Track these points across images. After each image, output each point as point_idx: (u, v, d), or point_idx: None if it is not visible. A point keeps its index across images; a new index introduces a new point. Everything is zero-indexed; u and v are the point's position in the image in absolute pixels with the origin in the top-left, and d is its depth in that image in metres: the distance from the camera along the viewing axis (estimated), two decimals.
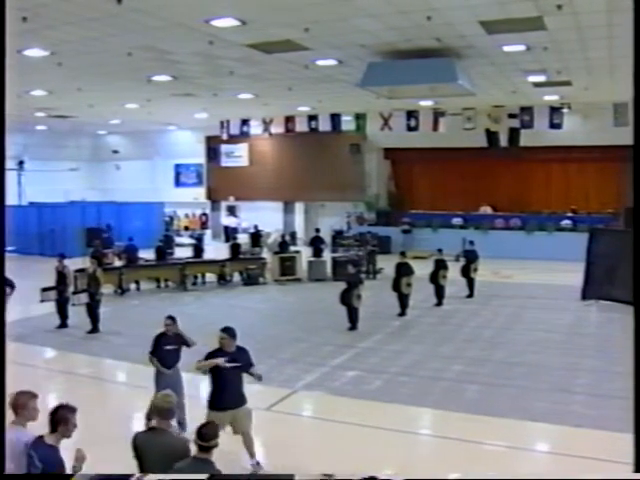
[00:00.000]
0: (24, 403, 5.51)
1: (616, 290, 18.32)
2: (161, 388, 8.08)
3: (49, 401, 11.14)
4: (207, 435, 5.37)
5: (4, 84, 6.02)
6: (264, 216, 35.27)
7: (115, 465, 7.90)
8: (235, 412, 7.99)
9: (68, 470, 5.23)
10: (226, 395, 8.06)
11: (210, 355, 8.37)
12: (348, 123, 27.96)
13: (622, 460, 6.27)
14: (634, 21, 5.97)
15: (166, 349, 9.81)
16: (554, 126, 24.95)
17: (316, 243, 25.71)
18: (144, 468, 5.60)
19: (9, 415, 5.44)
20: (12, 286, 12.05)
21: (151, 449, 5.68)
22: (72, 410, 5.35)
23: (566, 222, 29.60)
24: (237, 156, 38.05)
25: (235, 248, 24.45)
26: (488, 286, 21.15)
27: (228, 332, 8.61)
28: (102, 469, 6.52)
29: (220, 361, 7.94)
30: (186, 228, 36.96)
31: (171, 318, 9.96)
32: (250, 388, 12.00)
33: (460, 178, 33.14)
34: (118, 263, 23.36)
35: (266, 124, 30.77)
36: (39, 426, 5.45)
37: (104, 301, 16.49)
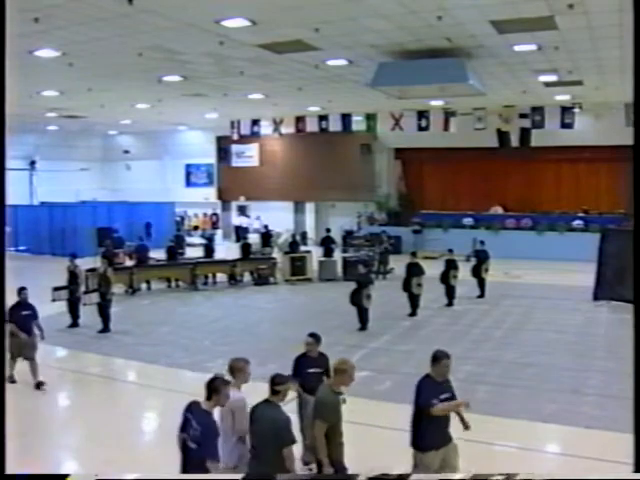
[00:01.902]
0: (241, 367, 6.79)
1: (628, 291, 18.17)
2: (306, 417, 7.76)
3: (60, 400, 11.23)
4: (276, 380, 6.32)
5: (4, 84, 6.03)
6: (275, 216, 35.30)
7: (118, 465, 7.96)
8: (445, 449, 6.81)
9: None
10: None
11: (296, 361, 8.46)
12: (359, 123, 27.96)
13: (620, 459, 6.26)
14: (634, 21, 5.96)
15: (308, 372, 8.47)
16: (565, 126, 24.87)
17: (327, 243, 25.73)
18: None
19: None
20: (40, 329, 11.95)
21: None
22: (225, 382, 6.05)
23: (577, 222, 29.47)
24: (248, 156, 38.08)
25: (246, 248, 24.50)
26: (499, 286, 21.09)
27: (314, 337, 8.42)
28: (106, 469, 6.57)
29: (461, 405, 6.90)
30: (195, 228, 37.02)
31: (313, 336, 8.56)
32: (260, 388, 12.04)
33: (471, 178, 33.09)
34: (129, 263, 23.45)
35: (276, 124, 30.79)
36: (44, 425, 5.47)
37: (115, 301, 16.56)
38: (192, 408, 5.95)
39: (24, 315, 11.64)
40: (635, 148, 6.19)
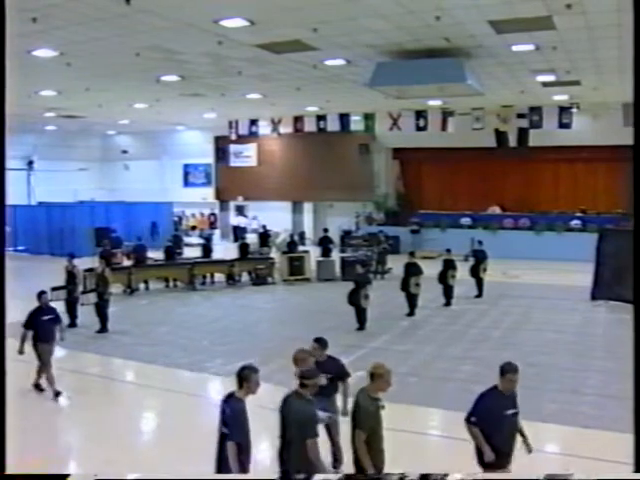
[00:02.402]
0: (303, 358, 7.21)
1: (626, 291, 18.19)
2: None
3: (59, 399, 11.20)
4: (306, 374, 6.49)
5: (4, 84, 6.02)
6: (273, 216, 35.33)
7: (117, 464, 7.95)
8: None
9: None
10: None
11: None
12: (357, 123, 27.97)
13: (620, 459, 6.27)
14: (634, 21, 5.96)
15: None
16: (563, 126, 24.91)
17: (325, 243, 25.74)
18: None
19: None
20: (62, 330, 11.50)
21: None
22: (254, 370, 6.30)
23: (575, 222, 29.51)
24: (246, 156, 38.10)
25: (244, 248, 24.49)
26: (497, 286, 21.10)
27: (319, 342, 8.18)
28: (105, 469, 6.56)
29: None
30: (193, 228, 36.99)
31: (318, 341, 8.26)
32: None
33: (469, 178, 33.12)
34: (127, 263, 23.42)
35: (275, 124, 30.81)
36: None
37: (113, 301, 16.53)
38: (227, 398, 6.28)
39: (45, 320, 11.08)
40: (635, 148, 6.19)
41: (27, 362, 11.31)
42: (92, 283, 16.78)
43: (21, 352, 10.50)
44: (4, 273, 5.90)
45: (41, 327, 10.96)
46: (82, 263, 18.05)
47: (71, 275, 16.38)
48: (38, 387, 10.98)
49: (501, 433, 6.40)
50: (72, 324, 16.08)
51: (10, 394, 5.97)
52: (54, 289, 16.19)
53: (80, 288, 16.59)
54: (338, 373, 8.03)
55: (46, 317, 11.11)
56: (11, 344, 6.68)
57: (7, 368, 6.04)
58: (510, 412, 6.44)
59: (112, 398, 11.19)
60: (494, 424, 6.39)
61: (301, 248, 26.51)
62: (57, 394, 10.77)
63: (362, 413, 6.41)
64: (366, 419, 6.37)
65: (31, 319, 10.95)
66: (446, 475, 5.54)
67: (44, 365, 10.86)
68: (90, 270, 17.76)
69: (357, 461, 6.39)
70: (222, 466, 6.24)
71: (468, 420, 6.45)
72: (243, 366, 6.35)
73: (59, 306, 16.03)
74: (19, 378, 11.28)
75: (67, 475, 5.43)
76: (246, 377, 6.22)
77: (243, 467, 6.19)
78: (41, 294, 11.33)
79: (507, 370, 6.66)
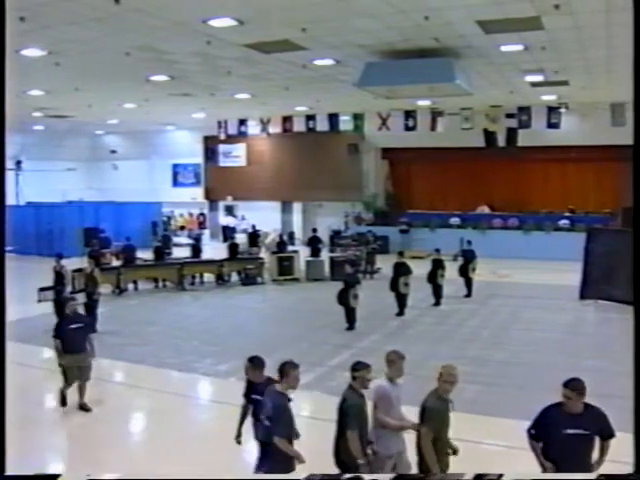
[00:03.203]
0: (394, 359, 6.99)
1: (614, 290, 18.34)
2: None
3: (47, 401, 11.16)
4: (353, 367, 6.71)
5: (4, 84, 6.01)
6: (262, 216, 35.31)
7: (106, 465, 7.93)
8: None
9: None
10: None
11: (247, 384, 7.57)
12: (346, 123, 27.95)
13: (620, 459, 6.28)
14: (634, 21, 5.97)
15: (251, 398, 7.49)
16: (552, 126, 24.97)
17: (314, 243, 25.73)
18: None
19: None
20: (91, 344, 10.48)
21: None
22: (294, 365, 6.53)
23: (564, 222, 29.64)
24: (235, 156, 38.07)
25: (233, 248, 24.47)
26: (486, 286, 21.15)
27: (253, 362, 7.44)
28: (93, 469, 6.54)
29: None
30: (182, 228, 36.93)
31: (251, 360, 7.55)
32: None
33: (458, 178, 33.18)
34: (116, 263, 23.36)
35: (264, 124, 30.75)
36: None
37: (102, 301, 16.48)
38: (269, 391, 6.51)
39: (73, 329, 10.18)
40: (635, 148, 6.19)
41: (17, 364, 11.28)
42: (81, 283, 16.74)
43: (61, 364, 10.13)
44: (4, 273, 5.89)
45: (67, 337, 10.10)
46: (71, 263, 17.98)
47: (59, 275, 16.30)
48: (64, 401, 10.30)
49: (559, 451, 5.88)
50: None
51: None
52: (42, 289, 16.15)
53: (69, 288, 16.53)
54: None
55: (74, 326, 10.26)
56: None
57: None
58: (570, 432, 5.79)
59: (101, 399, 11.15)
60: (551, 440, 5.96)
61: (290, 248, 26.53)
62: (83, 407, 10.21)
63: (430, 412, 6.40)
64: (433, 418, 6.37)
65: (58, 328, 10.27)
66: (501, 475, 5.52)
67: (66, 382, 10.16)
68: (79, 270, 17.71)
69: (421, 462, 6.37)
70: (261, 463, 6.44)
71: (528, 432, 6.13)
72: (284, 361, 6.58)
73: (47, 307, 16.08)
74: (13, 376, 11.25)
75: (54, 475, 5.41)
76: (286, 372, 6.44)
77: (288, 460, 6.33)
78: (68, 300, 10.77)
79: (564, 385, 5.95)
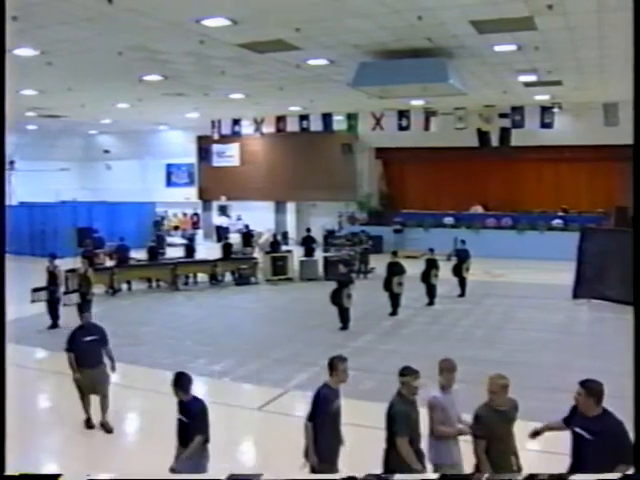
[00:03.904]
0: (448, 367, 6.84)
1: (607, 289, 18.40)
2: None
3: (41, 402, 11.14)
4: (400, 372, 6.46)
5: (4, 84, 6.01)
6: (256, 216, 35.28)
7: (100, 465, 7.92)
8: None
9: None
10: None
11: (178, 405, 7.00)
12: (340, 123, 27.93)
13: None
14: (634, 21, 5.98)
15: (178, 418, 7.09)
16: (545, 126, 25.00)
17: (307, 243, 25.73)
18: None
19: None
20: (111, 358, 9.85)
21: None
22: (342, 359, 6.75)
23: (557, 221, 29.70)
24: (228, 156, 38.04)
25: (227, 248, 24.44)
26: (480, 285, 21.18)
27: (178, 381, 6.90)
28: (91, 469, 6.52)
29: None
30: (176, 228, 36.88)
31: (179, 377, 7.00)
32: (240, 388, 12.03)
33: (451, 178, 33.20)
34: (109, 263, 23.32)
35: (257, 124, 30.72)
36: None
37: (95, 301, 16.47)
38: (322, 387, 6.77)
39: (88, 342, 9.54)
40: (635, 148, 6.20)
41: (11, 365, 11.25)
42: (74, 284, 16.70)
43: (77, 379, 9.40)
44: (4, 273, 5.87)
45: (81, 349, 9.47)
46: (64, 264, 17.94)
47: (53, 276, 16.26)
48: (88, 423, 9.53)
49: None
50: (54, 325, 16.00)
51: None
52: (35, 290, 16.11)
53: (62, 289, 16.48)
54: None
55: (88, 338, 9.60)
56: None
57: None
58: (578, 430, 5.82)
59: (94, 399, 11.13)
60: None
61: (284, 248, 26.50)
62: (104, 425, 9.47)
63: (478, 420, 6.26)
64: (482, 427, 6.19)
65: (71, 340, 9.61)
66: (554, 475, 5.46)
67: (82, 397, 9.49)
68: (72, 271, 17.66)
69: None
70: (317, 445, 6.63)
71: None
72: (333, 356, 6.78)
73: (40, 307, 16.05)
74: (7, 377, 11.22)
75: (56, 475, 5.41)
76: (335, 366, 6.66)
77: (320, 447, 6.58)
78: (82, 309, 10.17)
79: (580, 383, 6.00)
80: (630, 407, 5.94)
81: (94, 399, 9.59)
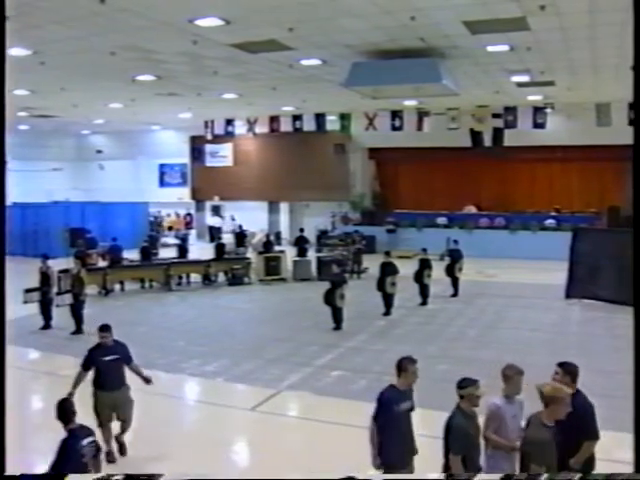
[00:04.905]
0: (511, 375, 6.54)
1: (599, 289, 18.46)
2: None
3: (34, 402, 11.11)
4: (460, 384, 6.05)
5: (4, 84, 6.00)
6: (249, 216, 35.26)
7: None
8: None
9: None
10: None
11: None
12: (333, 123, 27.93)
13: (604, 457, 6.32)
14: (634, 21, 5.99)
15: None
16: (538, 126, 25.04)
17: (301, 243, 25.74)
18: None
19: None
20: (139, 373, 8.87)
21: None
22: (412, 361, 6.48)
23: (550, 221, 29.76)
24: (222, 156, 38.02)
25: (220, 248, 24.42)
26: (472, 285, 21.21)
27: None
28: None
29: None
30: (170, 228, 36.84)
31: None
32: (234, 388, 12.02)
33: (444, 178, 33.26)
34: (102, 263, 23.27)
35: (250, 124, 30.67)
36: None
37: (88, 302, 16.41)
38: (388, 389, 6.51)
39: (107, 361, 8.50)
40: (635, 148, 6.22)
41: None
42: (67, 284, 16.62)
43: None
44: (4, 273, 5.85)
45: (101, 371, 8.51)
46: (57, 264, 17.87)
47: (45, 276, 16.21)
48: (109, 456, 8.25)
49: None
50: (47, 326, 15.96)
51: None
52: (28, 291, 16.05)
53: (54, 289, 16.42)
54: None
55: (108, 357, 8.54)
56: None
57: None
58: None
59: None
60: None
61: (277, 248, 26.49)
62: (121, 447, 8.61)
63: (533, 445, 5.41)
64: (537, 452, 5.35)
65: (89, 359, 8.59)
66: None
67: (100, 424, 8.27)
68: (65, 271, 17.61)
69: None
70: (382, 449, 6.40)
71: None
72: (402, 357, 6.54)
73: (33, 308, 15.99)
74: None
75: (62, 475, 5.39)
76: (404, 368, 6.43)
77: (385, 449, 6.34)
78: (102, 329, 8.78)
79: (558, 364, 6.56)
80: (624, 404, 5.95)
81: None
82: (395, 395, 6.41)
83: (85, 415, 8.15)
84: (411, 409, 6.59)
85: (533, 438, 5.44)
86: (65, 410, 6.13)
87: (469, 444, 5.86)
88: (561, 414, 5.49)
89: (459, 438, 5.79)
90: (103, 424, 8.31)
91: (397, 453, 6.37)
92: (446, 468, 5.88)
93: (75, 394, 8.12)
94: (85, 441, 5.81)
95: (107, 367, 8.44)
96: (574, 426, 5.64)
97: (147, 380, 8.78)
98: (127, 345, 8.84)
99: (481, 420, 6.18)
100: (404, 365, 6.46)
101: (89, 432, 6.01)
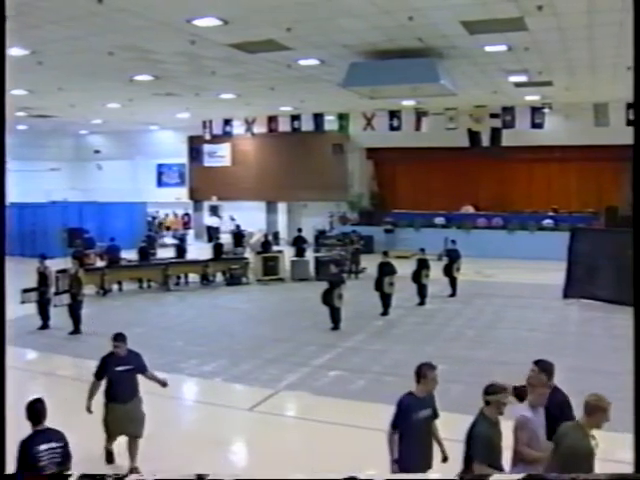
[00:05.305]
0: (424, 373, 6.35)
1: (597, 289, 18.47)
2: None
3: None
4: (488, 389, 5.84)
5: (4, 84, 5.99)
6: (247, 216, 35.24)
7: (91, 466, 7.88)
8: None
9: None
10: None
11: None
12: (331, 123, 27.96)
13: (605, 457, 6.32)
14: (634, 21, 5.99)
15: None
16: (535, 126, 25.08)
17: (299, 243, 25.73)
18: None
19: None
20: (155, 378, 8.64)
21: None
22: (432, 367, 6.33)
23: (547, 221, 29.76)
24: (220, 156, 38.00)
25: (218, 248, 24.43)
26: (470, 285, 21.21)
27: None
28: (85, 469, 6.47)
29: None
30: (167, 228, 36.83)
31: None
32: (232, 388, 12.01)
33: (442, 178, 33.23)
34: (100, 263, 23.25)
35: (248, 124, 30.72)
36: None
37: (86, 302, 16.39)
38: (406, 396, 6.32)
39: (120, 372, 8.12)
40: (635, 148, 6.21)
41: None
42: (65, 284, 16.60)
43: (89, 410, 8.05)
44: (4, 273, 5.84)
45: (114, 381, 8.14)
46: (54, 264, 17.86)
47: (43, 276, 16.19)
48: (110, 456, 8.26)
49: None
50: (44, 326, 15.94)
51: None
52: (26, 291, 16.03)
53: (52, 290, 16.40)
54: None
55: (121, 368, 8.17)
56: None
57: None
58: None
59: (85, 401, 11.10)
60: None
61: (275, 248, 26.50)
62: (133, 471, 7.87)
63: (574, 454, 5.36)
64: (577, 461, 5.30)
65: (102, 368, 8.24)
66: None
67: (108, 437, 8.16)
68: (63, 271, 17.59)
69: None
70: (400, 457, 6.24)
71: None
72: (422, 363, 6.40)
73: (31, 308, 15.97)
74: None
75: (68, 475, 5.37)
76: (424, 374, 6.28)
77: (402, 457, 6.20)
78: (116, 337, 8.37)
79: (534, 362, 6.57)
80: (623, 404, 5.95)
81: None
82: (414, 402, 6.27)
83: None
84: (433, 417, 6.48)
85: (574, 446, 5.37)
86: (35, 411, 6.05)
87: (494, 452, 5.74)
88: (601, 424, 5.47)
89: (484, 446, 5.66)
90: (111, 436, 8.12)
91: (414, 462, 6.23)
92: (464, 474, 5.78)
93: (92, 405, 8.04)
94: (44, 446, 5.61)
95: (120, 378, 8.10)
96: (557, 419, 5.88)
97: (163, 384, 8.57)
98: (141, 354, 8.54)
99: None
100: (423, 371, 6.31)
101: (56, 438, 5.80)
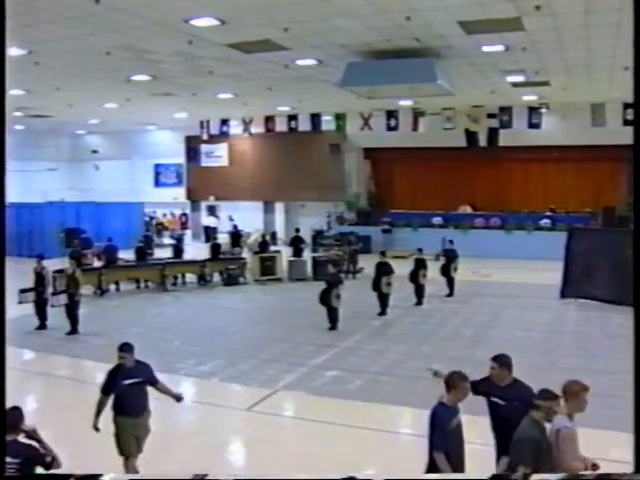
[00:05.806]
0: (576, 391, 5.89)
1: (594, 289, 18.49)
2: None
3: (28, 403, 11.08)
4: (541, 394, 5.71)
5: (4, 84, 5.98)
6: (244, 216, 35.23)
7: (88, 466, 7.87)
8: None
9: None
10: None
11: None
12: (328, 123, 27.99)
13: (605, 457, 6.33)
14: (634, 21, 6.00)
15: None
16: (533, 126, 25.12)
17: (296, 243, 25.73)
18: None
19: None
20: (168, 391, 8.12)
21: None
22: (464, 377, 6.18)
23: (545, 221, 29.76)
24: (217, 156, 37.97)
25: (215, 248, 24.42)
26: (468, 285, 21.21)
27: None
28: (84, 469, 6.47)
29: None
30: (165, 228, 36.80)
31: None
32: (229, 388, 12.01)
33: (440, 178, 33.24)
34: (97, 264, 23.24)
35: (246, 124, 30.75)
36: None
37: (83, 302, 16.37)
38: (438, 406, 6.14)
39: (128, 385, 7.58)
40: (635, 148, 6.23)
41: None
42: (62, 284, 16.59)
43: (96, 428, 7.57)
44: (4, 273, 5.82)
45: (122, 395, 7.60)
46: (52, 264, 17.85)
47: (40, 277, 16.17)
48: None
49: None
50: (42, 326, 15.93)
51: None
52: (23, 291, 16.01)
53: (49, 290, 16.38)
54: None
55: (129, 381, 7.62)
56: None
57: None
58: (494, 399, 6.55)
59: (82, 400, 11.08)
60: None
61: (273, 248, 26.50)
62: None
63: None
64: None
65: (110, 382, 7.71)
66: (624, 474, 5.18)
67: (123, 454, 7.59)
68: (60, 271, 17.57)
69: None
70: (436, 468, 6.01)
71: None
72: (452, 372, 6.26)
73: (28, 308, 15.95)
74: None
75: (70, 475, 5.35)
76: (454, 384, 6.13)
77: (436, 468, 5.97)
78: (122, 348, 7.87)
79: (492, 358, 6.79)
80: (622, 404, 5.96)
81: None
82: (447, 412, 6.11)
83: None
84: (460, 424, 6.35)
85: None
86: (9, 421, 5.55)
87: (541, 458, 5.47)
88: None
89: (532, 451, 5.45)
90: (130, 456, 7.55)
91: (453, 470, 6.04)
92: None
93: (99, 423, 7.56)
94: (8, 459, 5.19)
95: (128, 392, 7.57)
96: (517, 412, 5.98)
97: (178, 398, 8.10)
98: (150, 365, 8.05)
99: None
100: (454, 381, 6.16)
101: (24, 452, 5.37)
